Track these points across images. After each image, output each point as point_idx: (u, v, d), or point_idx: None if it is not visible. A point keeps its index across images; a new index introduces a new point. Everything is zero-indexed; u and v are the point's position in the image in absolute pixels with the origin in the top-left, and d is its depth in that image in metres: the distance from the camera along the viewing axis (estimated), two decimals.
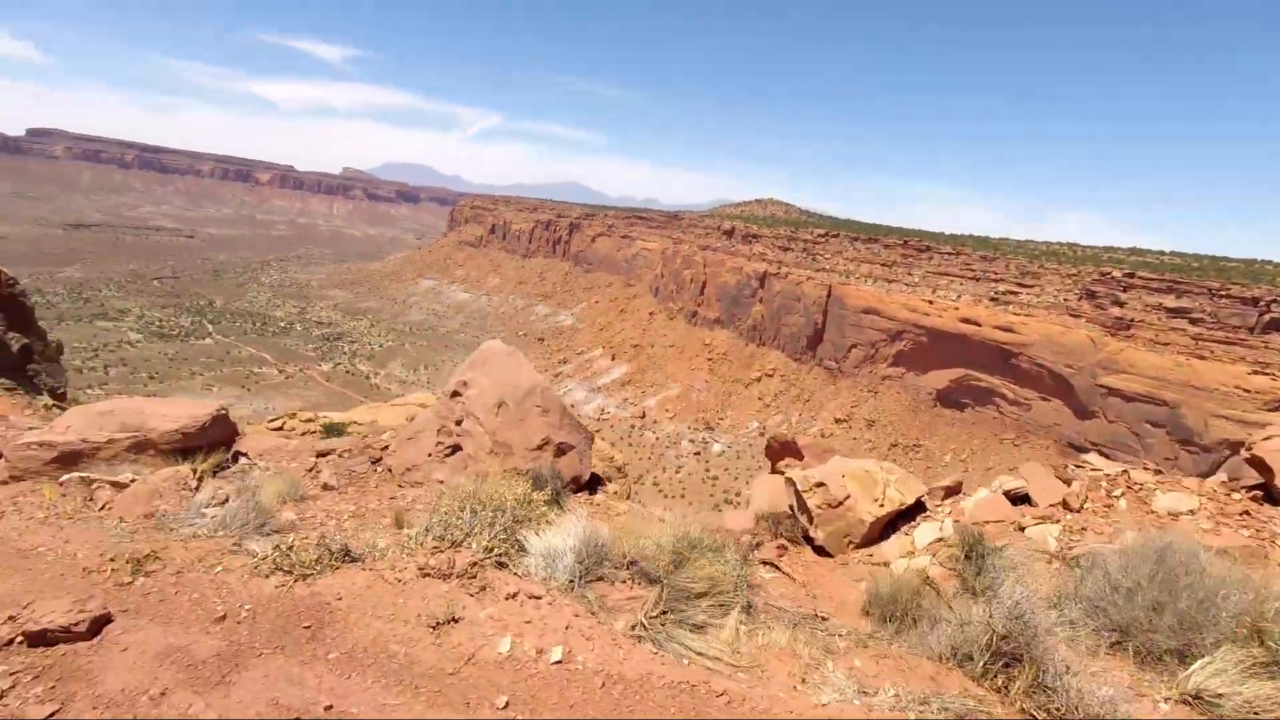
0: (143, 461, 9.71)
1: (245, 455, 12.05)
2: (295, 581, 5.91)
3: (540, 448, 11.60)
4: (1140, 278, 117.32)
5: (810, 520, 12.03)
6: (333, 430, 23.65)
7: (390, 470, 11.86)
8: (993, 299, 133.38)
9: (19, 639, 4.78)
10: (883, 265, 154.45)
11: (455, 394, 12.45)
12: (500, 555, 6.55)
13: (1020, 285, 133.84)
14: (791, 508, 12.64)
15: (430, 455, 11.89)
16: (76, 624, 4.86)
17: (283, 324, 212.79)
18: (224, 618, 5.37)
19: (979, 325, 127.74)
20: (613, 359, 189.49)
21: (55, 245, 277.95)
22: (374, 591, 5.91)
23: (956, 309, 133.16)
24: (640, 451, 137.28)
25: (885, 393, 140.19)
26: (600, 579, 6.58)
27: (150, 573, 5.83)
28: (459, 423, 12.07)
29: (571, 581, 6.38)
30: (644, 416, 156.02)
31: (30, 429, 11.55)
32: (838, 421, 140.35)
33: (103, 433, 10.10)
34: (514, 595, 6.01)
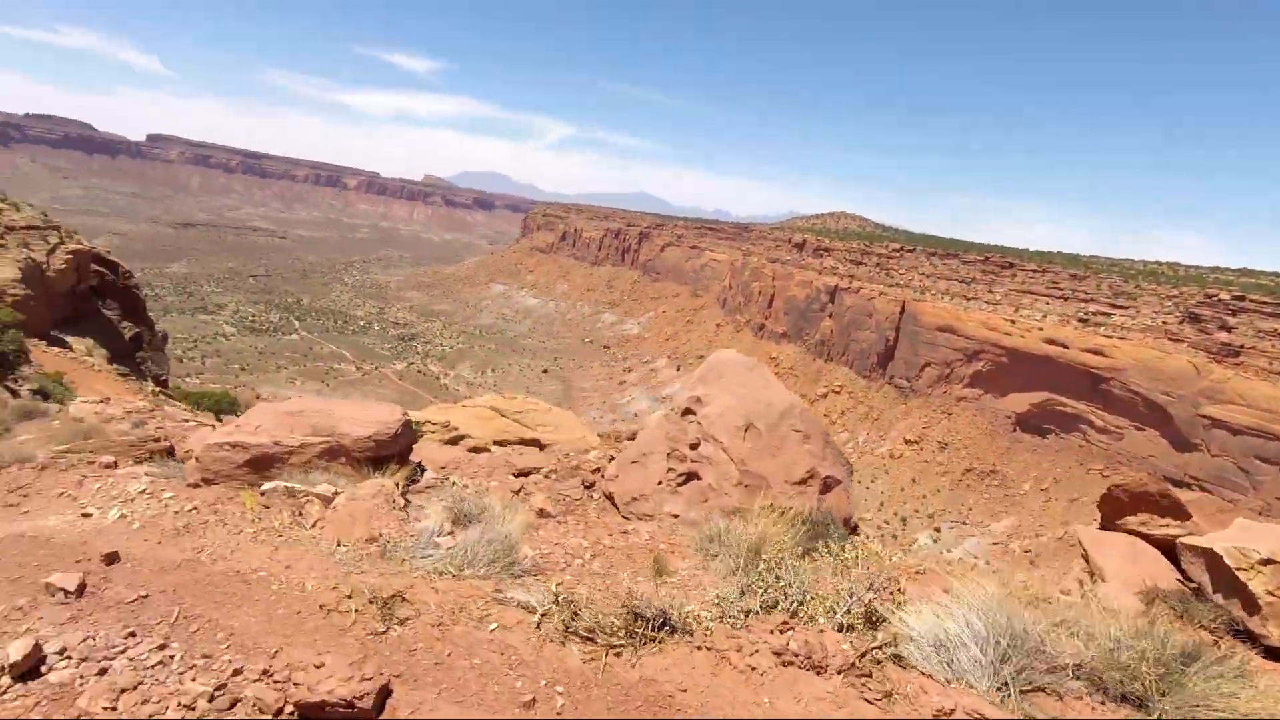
0: (335, 469, 9.04)
1: (423, 467, 11.34)
2: (606, 655, 4.76)
3: (804, 481, 10.01)
4: (1252, 300, 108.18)
5: (1252, 610, 8.91)
6: (414, 427, 23.93)
7: (610, 498, 10.66)
8: (1082, 320, 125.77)
9: (289, 710, 3.89)
10: (961, 282, 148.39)
11: (688, 411, 10.94)
12: (889, 643, 4.94)
13: (1113, 306, 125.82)
14: (1196, 589, 9.67)
15: (660, 483, 10.48)
16: (359, 697, 3.95)
17: (362, 323, 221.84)
18: (533, 703, 4.27)
19: (1066, 347, 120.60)
20: (678, 369, 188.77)
21: (166, 242, 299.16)
22: (724, 684, 4.54)
23: (1041, 329, 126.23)
24: None
25: (960, 414, 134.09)
26: (1039, 689, 4.63)
27: (404, 620, 5.00)
28: (694, 446, 10.55)
29: (1001, 689, 4.49)
30: None
31: (200, 426, 11.71)
32: (908, 443, 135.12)
33: (294, 435, 9.37)
34: (948, 714, 4.18)
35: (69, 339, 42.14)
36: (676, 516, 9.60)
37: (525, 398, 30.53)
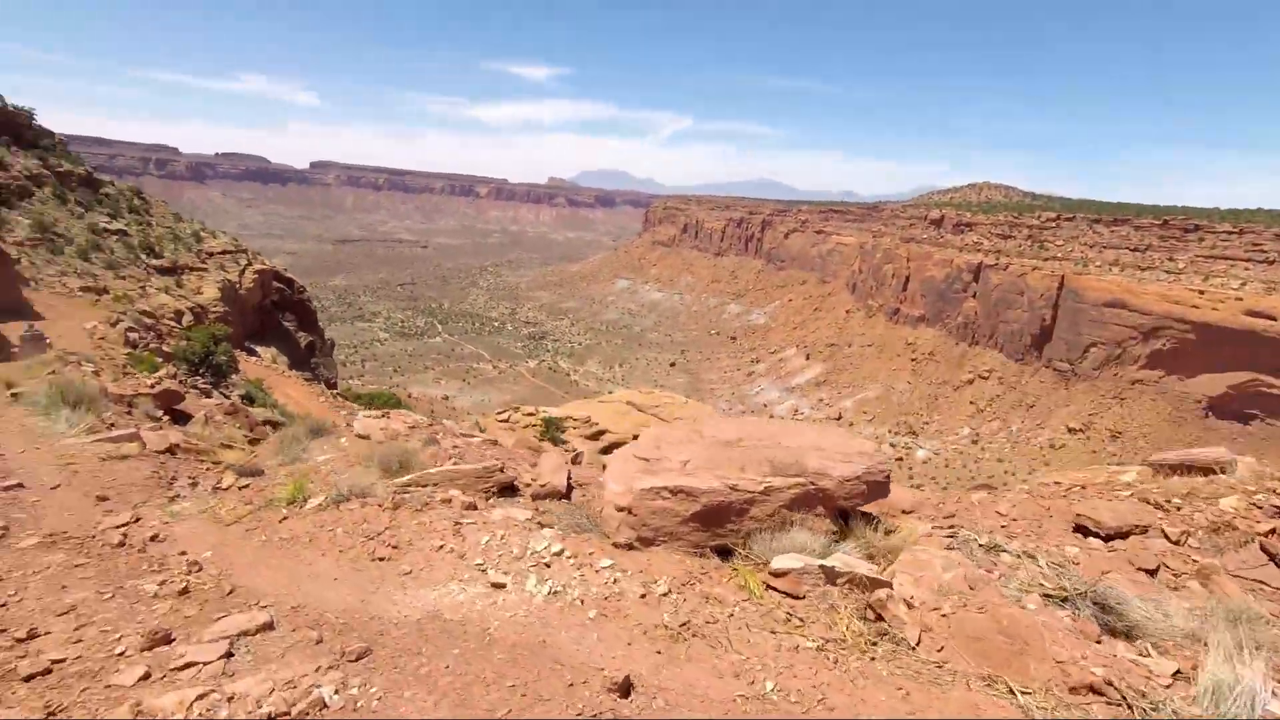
0: (811, 525, 6.65)
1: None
2: None
3: None
4: None
5: None
6: (551, 424, 24.76)
7: None
8: None
9: None
10: (1133, 250, 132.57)
11: None
12: None
13: None
14: None
15: None
16: None
17: (496, 323, 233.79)
18: None
19: (1274, 319, 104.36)
20: (807, 358, 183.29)
21: (327, 258, 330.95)
22: None
23: (1239, 299, 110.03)
24: None
25: (1135, 399, 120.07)
26: None
27: None
28: None
29: None
30: (840, 418, 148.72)
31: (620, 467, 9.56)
32: (1071, 431, 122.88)
33: (748, 475, 6.85)
34: None
35: (257, 348, 47.18)
36: None
37: (660, 392, 30.51)
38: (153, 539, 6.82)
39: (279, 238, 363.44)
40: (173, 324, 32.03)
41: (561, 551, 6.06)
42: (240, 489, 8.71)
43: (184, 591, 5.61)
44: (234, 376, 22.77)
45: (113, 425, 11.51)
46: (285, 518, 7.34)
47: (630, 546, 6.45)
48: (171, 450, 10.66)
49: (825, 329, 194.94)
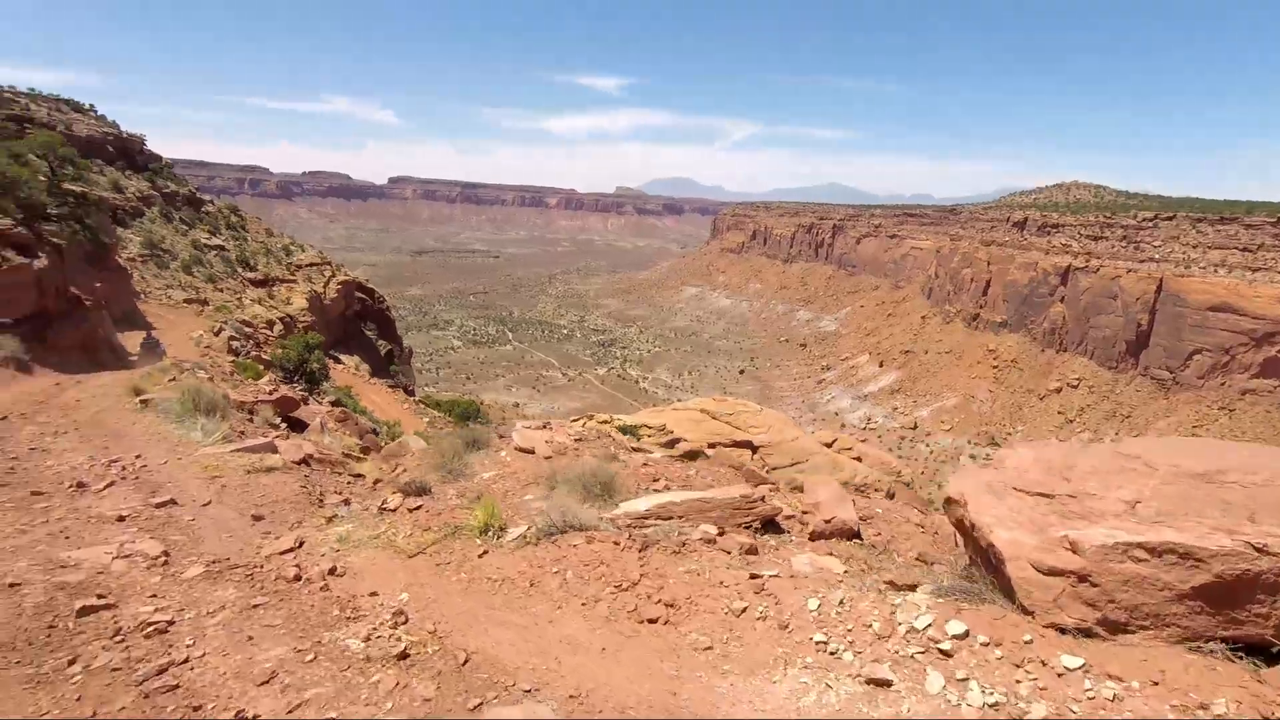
0: None
1: None
2: None
3: None
4: None
5: None
6: (628, 432, 24.92)
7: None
8: None
9: None
10: (1242, 250, 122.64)
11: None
12: None
13: None
14: None
15: None
16: None
17: (565, 331, 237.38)
18: None
19: None
20: (880, 365, 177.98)
21: (405, 269, 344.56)
22: None
23: None
24: (913, 465, 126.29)
25: (1246, 411, 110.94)
26: None
27: None
28: None
29: None
30: (915, 427, 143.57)
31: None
32: None
33: (1266, 527, 4.70)
34: None
35: (340, 356, 49.48)
36: None
37: (734, 400, 30.12)
38: (331, 572, 6.04)
39: (360, 250, 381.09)
40: (267, 333, 34.00)
41: (966, 633, 4.28)
42: (411, 511, 7.90)
43: (403, 656, 4.59)
44: (325, 384, 23.96)
45: (243, 433, 11.72)
46: (484, 552, 6.30)
47: (1087, 632, 4.44)
48: (306, 461, 10.57)
49: (899, 335, 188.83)
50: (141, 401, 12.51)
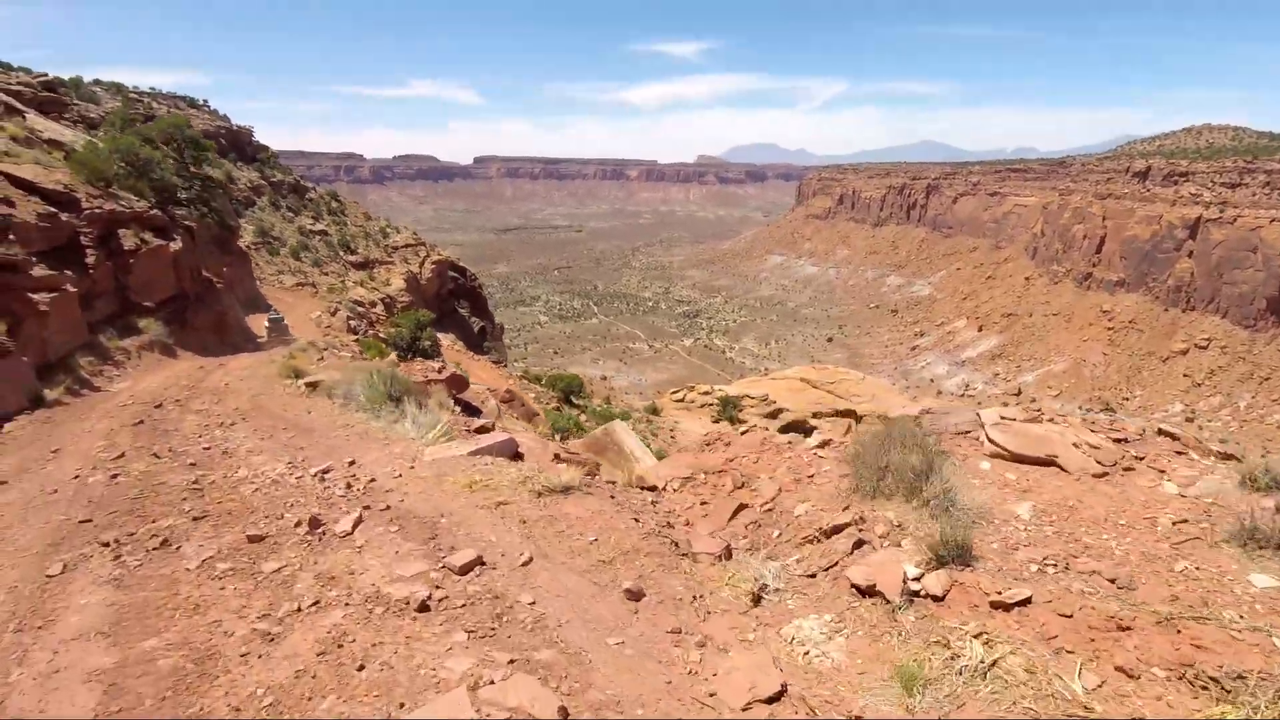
0: None
1: None
2: None
3: None
4: None
5: None
6: (729, 404, 24.78)
7: None
8: None
9: None
10: None
11: None
12: None
13: None
14: None
15: None
16: None
17: (650, 303, 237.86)
18: None
19: None
20: (979, 330, 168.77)
21: (491, 247, 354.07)
22: None
23: None
24: None
25: None
26: None
27: None
28: None
29: None
30: (1019, 394, 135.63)
31: None
32: None
33: None
34: None
35: (437, 334, 51.54)
36: None
37: (835, 368, 29.28)
38: None
39: (448, 230, 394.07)
40: (377, 312, 35.66)
41: None
42: (951, 588, 5.02)
43: None
44: (436, 360, 24.74)
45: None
46: None
47: None
48: (557, 460, 8.76)
49: (1000, 298, 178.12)
50: (308, 384, 11.52)
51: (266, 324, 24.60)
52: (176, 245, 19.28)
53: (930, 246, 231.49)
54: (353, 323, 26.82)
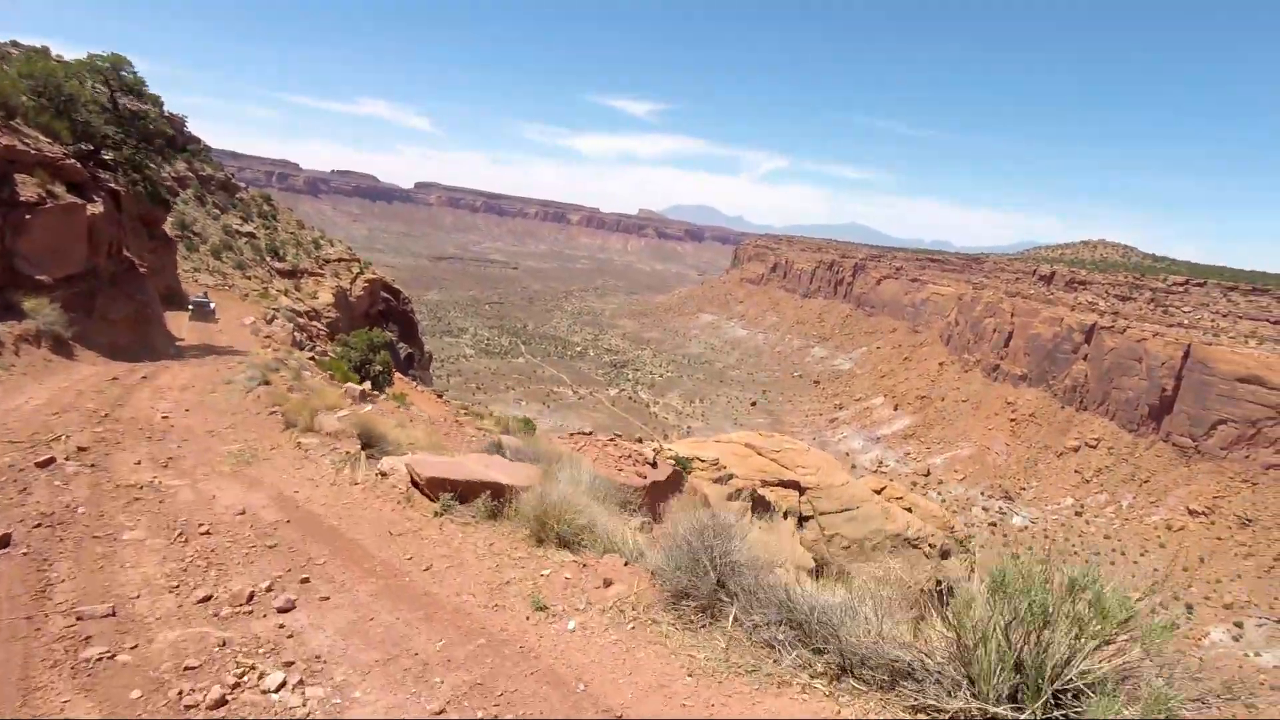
0: None
1: None
2: None
3: None
4: None
5: None
6: (682, 464, 23.63)
7: None
8: None
9: None
10: (1274, 323, 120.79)
11: None
12: None
13: None
14: None
15: None
16: None
17: (578, 348, 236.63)
18: None
19: None
20: (895, 408, 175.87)
21: (424, 273, 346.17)
22: None
23: None
24: None
25: (1271, 486, 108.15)
26: None
27: None
28: None
29: None
30: (928, 474, 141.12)
31: None
32: (1192, 513, 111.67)
33: None
34: None
35: None
36: None
37: (779, 435, 28.87)
38: None
39: (381, 251, 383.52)
40: (316, 325, 32.80)
41: None
42: None
43: None
44: (387, 389, 21.91)
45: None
46: None
47: None
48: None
49: (915, 380, 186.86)
50: (298, 445, 7.87)
51: (190, 308, 21.52)
52: (96, 208, 15.20)
53: (854, 323, 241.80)
54: (298, 336, 23.81)
